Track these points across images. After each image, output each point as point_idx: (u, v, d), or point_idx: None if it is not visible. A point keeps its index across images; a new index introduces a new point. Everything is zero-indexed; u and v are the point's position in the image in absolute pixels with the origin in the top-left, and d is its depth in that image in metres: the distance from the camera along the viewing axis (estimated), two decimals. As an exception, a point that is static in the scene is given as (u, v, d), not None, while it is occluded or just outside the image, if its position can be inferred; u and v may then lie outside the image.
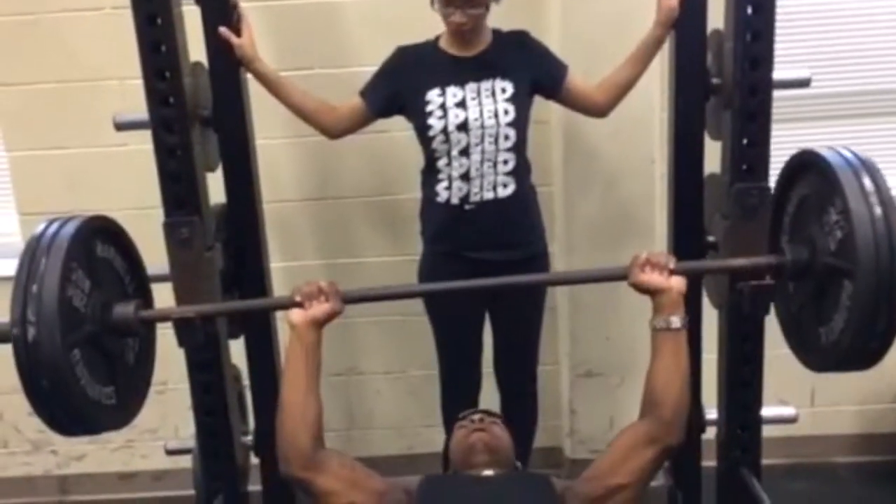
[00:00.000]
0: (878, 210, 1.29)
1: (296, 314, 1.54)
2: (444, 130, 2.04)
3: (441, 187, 2.09)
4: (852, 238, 1.29)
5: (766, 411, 1.97)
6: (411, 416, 2.73)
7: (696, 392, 1.96)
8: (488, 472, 1.59)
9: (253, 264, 1.98)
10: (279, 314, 1.87)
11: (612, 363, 2.58)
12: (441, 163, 2.08)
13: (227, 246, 1.88)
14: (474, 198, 2.07)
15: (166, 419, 2.71)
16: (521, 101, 2.06)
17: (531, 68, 2.08)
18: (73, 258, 1.37)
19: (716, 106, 1.83)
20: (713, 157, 1.88)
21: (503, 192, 2.07)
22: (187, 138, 1.59)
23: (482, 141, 2.04)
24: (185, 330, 1.59)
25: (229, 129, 1.89)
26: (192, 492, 2.43)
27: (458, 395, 2.27)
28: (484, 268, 2.02)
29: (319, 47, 2.48)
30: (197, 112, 1.71)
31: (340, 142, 2.46)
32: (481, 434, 1.66)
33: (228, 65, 1.86)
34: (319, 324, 1.55)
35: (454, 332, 2.27)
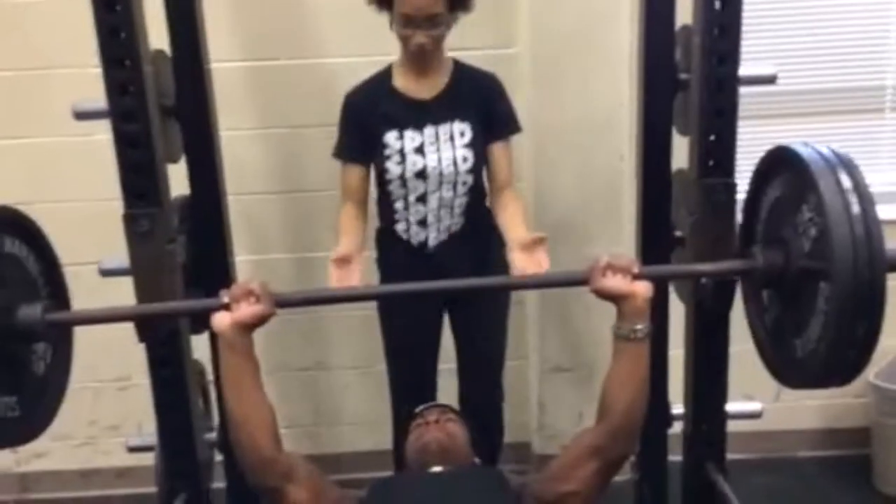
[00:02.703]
0: (855, 206, 1.21)
1: (218, 319, 1.43)
2: (402, 177, 2.01)
3: (399, 228, 2.07)
4: (827, 235, 1.22)
5: (732, 406, 1.97)
6: (380, 411, 2.70)
7: (663, 387, 1.96)
8: (437, 469, 1.56)
9: (217, 258, 1.95)
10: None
11: (581, 358, 2.58)
12: (398, 205, 2.05)
13: (190, 239, 1.84)
14: (432, 242, 2.06)
15: (129, 415, 2.67)
16: (478, 144, 2.02)
17: (488, 112, 2.02)
18: None
19: (684, 101, 1.83)
20: (682, 152, 1.89)
21: (458, 228, 2.06)
22: (147, 128, 1.55)
23: (439, 188, 2.01)
24: (144, 326, 1.55)
25: (192, 119, 1.85)
26: (155, 489, 2.40)
27: (411, 403, 2.14)
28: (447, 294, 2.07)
29: (286, 38, 2.44)
30: (159, 101, 1.66)
31: (307, 134, 2.45)
32: (436, 434, 1.63)
33: (191, 53, 1.82)
34: (247, 327, 1.43)
35: (410, 338, 2.20)
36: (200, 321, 1.87)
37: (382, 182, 2.04)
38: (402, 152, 1.99)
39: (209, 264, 1.92)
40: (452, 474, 1.56)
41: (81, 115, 1.77)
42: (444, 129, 2.00)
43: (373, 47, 2.08)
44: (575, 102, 2.41)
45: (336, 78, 2.31)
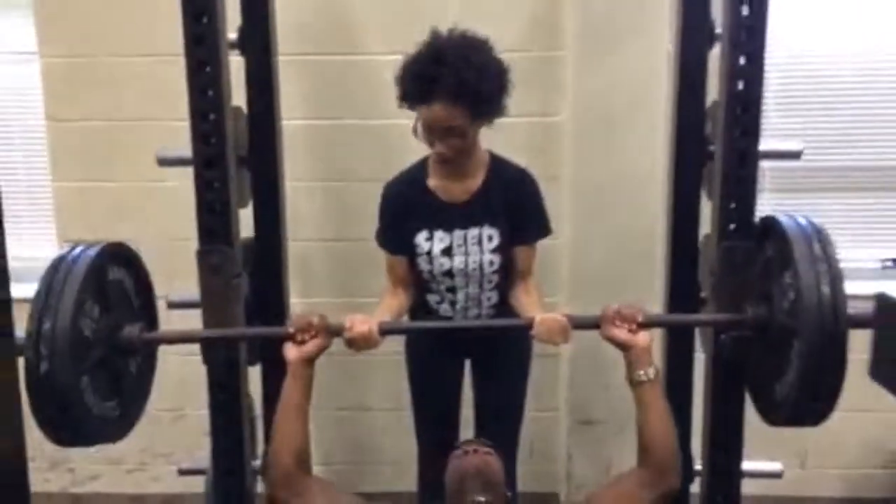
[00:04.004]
0: (824, 277, 1.40)
1: (291, 352, 1.67)
2: (431, 273, 2.07)
3: (431, 299, 2.12)
4: (799, 299, 1.41)
5: (753, 465, 2.05)
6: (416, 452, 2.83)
7: (686, 442, 2.05)
8: (478, 499, 1.67)
9: (274, 296, 2.13)
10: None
11: (610, 411, 2.67)
12: (430, 287, 2.11)
13: (252, 277, 2.03)
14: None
15: (180, 444, 2.83)
16: (506, 247, 2.05)
17: (518, 216, 2.04)
18: (85, 289, 1.50)
19: (712, 170, 1.97)
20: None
21: (484, 316, 2.12)
22: (225, 174, 1.75)
23: (466, 286, 2.07)
24: (210, 349, 1.73)
25: (262, 168, 2.06)
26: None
27: (436, 458, 2.22)
28: (469, 348, 2.19)
29: (347, 99, 2.67)
30: (234, 152, 1.87)
31: (360, 186, 2.64)
32: (477, 462, 1.73)
33: (265, 110, 2.04)
34: (312, 359, 1.68)
35: (434, 390, 2.29)
36: (256, 353, 2.05)
37: (416, 269, 2.09)
38: (430, 253, 2.04)
39: (266, 301, 2.10)
40: None
41: (164, 162, 1.99)
42: (472, 233, 2.02)
43: None
44: (613, 166, 2.56)
45: (389, 136, 2.52)
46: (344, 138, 2.68)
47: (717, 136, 1.84)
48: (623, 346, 1.66)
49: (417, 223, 2.04)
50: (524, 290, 2.08)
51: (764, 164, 2.48)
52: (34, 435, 2.95)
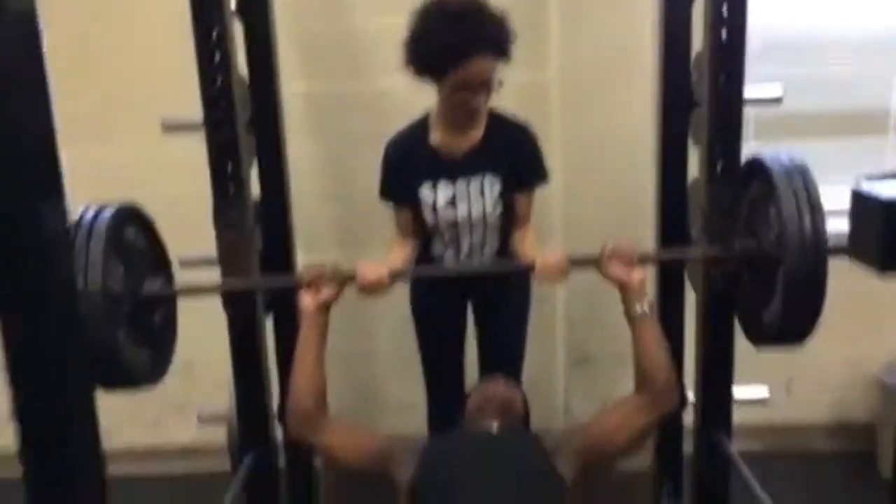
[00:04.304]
0: (805, 209, 1.53)
1: (307, 300, 1.77)
2: (436, 224, 2.16)
3: (436, 249, 2.23)
4: (784, 232, 1.54)
5: (742, 392, 2.18)
6: (421, 396, 2.95)
7: (678, 375, 2.18)
8: (492, 424, 1.79)
9: (282, 251, 2.23)
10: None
11: (605, 349, 2.81)
12: (435, 237, 2.20)
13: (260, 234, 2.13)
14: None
15: (192, 397, 2.93)
16: (507, 195, 2.14)
17: (518, 164, 2.13)
18: (109, 249, 1.60)
19: (698, 117, 2.07)
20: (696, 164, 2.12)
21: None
22: (235, 135, 1.83)
23: (471, 234, 2.17)
24: (230, 300, 1.85)
25: (265, 132, 2.15)
26: (215, 467, 2.65)
27: (442, 399, 2.43)
28: (472, 293, 2.30)
29: (344, 65, 2.72)
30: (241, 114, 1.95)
31: (359, 144, 2.72)
32: (501, 389, 1.88)
33: (267, 77, 2.12)
34: (327, 307, 1.79)
35: (439, 334, 2.40)
36: (270, 304, 2.16)
37: (420, 220, 2.19)
38: (434, 205, 2.13)
39: (274, 257, 2.20)
40: (499, 436, 1.78)
41: (169, 128, 2.07)
42: (475, 182, 2.11)
43: None
44: (602, 119, 2.67)
45: (384, 99, 2.59)
46: (341, 102, 2.75)
47: (702, 84, 1.94)
48: (619, 283, 1.78)
49: (421, 177, 2.12)
50: (523, 235, 2.19)
51: (747, 112, 2.62)
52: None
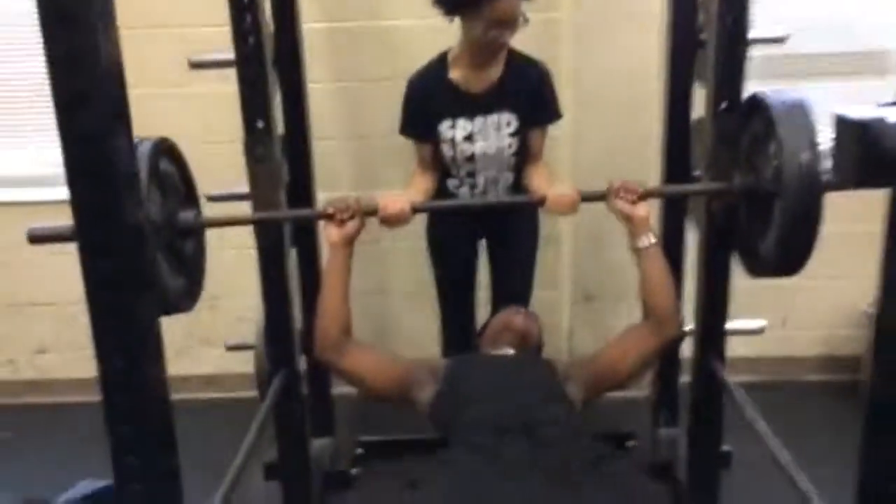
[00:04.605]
0: (804, 144, 1.58)
1: (333, 233, 1.86)
2: (454, 159, 2.27)
3: (451, 183, 2.34)
4: (781, 166, 1.60)
5: (739, 324, 2.28)
6: (433, 331, 3.10)
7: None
8: (508, 351, 1.93)
9: (304, 184, 2.34)
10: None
11: (608, 287, 2.94)
12: (452, 171, 2.32)
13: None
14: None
15: (217, 330, 3.08)
16: (523, 131, 2.25)
17: (533, 102, 2.25)
18: (149, 179, 1.65)
19: (703, 57, 2.15)
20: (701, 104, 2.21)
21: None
22: (264, 71, 1.92)
23: (486, 169, 2.29)
24: (261, 230, 1.97)
25: (288, 70, 2.23)
26: (240, 394, 2.80)
27: (457, 329, 2.58)
28: (485, 231, 2.42)
29: (359, 3, 2.79)
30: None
31: (376, 87, 2.80)
32: (522, 319, 2.01)
33: (288, 17, 2.20)
34: (352, 240, 1.88)
35: (454, 270, 2.53)
36: (294, 239, 2.28)
37: (439, 156, 2.31)
38: (453, 140, 2.24)
39: (297, 191, 2.30)
40: (516, 358, 1.91)
41: (196, 65, 2.15)
42: (492, 119, 2.22)
43: (431, 12, 2.29)
44: (611, 59, 2.75)
45: (399, 38, 2.67)
46: (357, 41, 2.82)
47: (709, 25, 2.02)
48: (625, 217, 1.88)
49: (441, 113, 2.23)
50: (535, 170, 2.30)
51: (754, 53, 2.69)
52: (82, 322, 3.23)
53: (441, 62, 2.26)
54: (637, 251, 1.89)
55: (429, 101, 2.24)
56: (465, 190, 2.33)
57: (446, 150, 2.26)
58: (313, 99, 2.55)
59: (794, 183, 1.61)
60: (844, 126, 0.64)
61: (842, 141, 0.64)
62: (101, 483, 2.15)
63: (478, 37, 2.10)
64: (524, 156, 2.30)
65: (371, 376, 1.85)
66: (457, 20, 2.14)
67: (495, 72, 2.22)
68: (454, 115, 2.22)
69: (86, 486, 2.15)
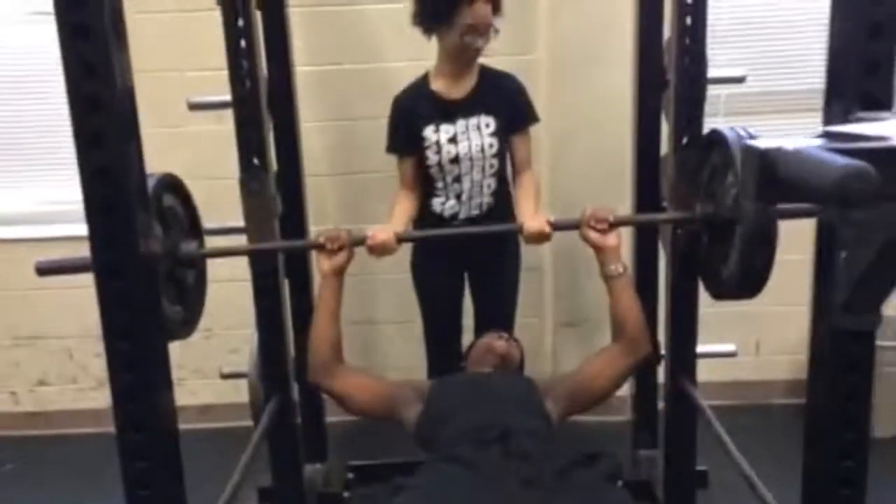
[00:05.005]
0: None
1: (325, 263, 1.98)
2: (440, 164, 2.43)
3: (436, 202, 2.50)
4: (740, 196, 1.73)
5: (712, 347, 2.37)
6: (419, 358, 3.20)
7: (653, 330, 2.39)
8: (487, 370, 2.04)
9: (296, 221, 2.46)
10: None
11: (589, 313, 3.06)
12: (438, 185, 2.48)
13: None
14: (462, 215, 2.49)
15: (210, 361, 3.17)
16: (502, 134, 2.44)
17: (509, 107, 2.44)
18: (153, 211, 1.71)
19: (668, 96, 2.31)
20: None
21: (486, 209, 2.49)
22: (259, 113, 2.06)
23: (471, 171, 2.44)
24: (255, 260, 2.09)
25: (281, 110, 2.36)
26: (233, 424, 2.88)
27: (442, 357, 2.67)
28: (468, 262, 2.55)
29: (349, 47, 2.96)
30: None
31: (362, 125, 2.96)
32: (504, 345, 2.12)
33: (282, 59, 2.34)
34: (342, 270, 2.00)
35: (439, 299, 2.66)
36: (287, 272, 2.39)
37: (424, 167, 2.48)
38: (438, 143, 2.42)
39: (289, 226, 2.42)
40: (496, 375, 2.02)
41: (195, 107, 2.29)
42: (472, 121, 2.41)
43: (417, 54, 2.53)
44: (586, 97, 2.92)
45: (387, 79, 2.82)
46: (346, 81, 2.98)
47: (671, 65, 2.18)
48: (596, 247, 2.00)
49: (425, 120, 2.42)
50: (524, 182, 2.47)
51: (721, 91, 2.85)
52: (79, 356, 3.30)
53: (423, 78, 2.48)
54: (607, 278, 2.00)
55: (413, 112, 2.43)
56: (451, 203, 2.47)
57: (431, 155, 2.42)
58: (305, 137, 2.71)
59: (751, 210, 1.70)
60: (748, 154, 0.77)
61: (746, 166, 0.77)
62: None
63: (455, 44, 2.32)
64: (507, 162, 2.48)
65: (360, 397, 1.96)
66: (433, 39, 2.38)
67: (472, 80, 2.43)
68: (437, 121, 2.41)
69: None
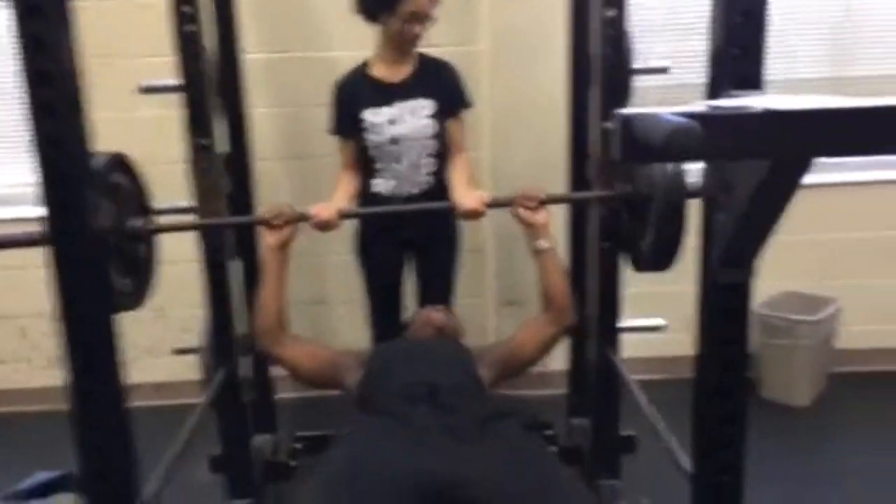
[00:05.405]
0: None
1: (269, 238, 2.08)
2: (379, 145, 2.56)
3: (377, 182, 2.62)
4: (654, 177, 1.88)
5: (642, 321, 2.52)
6: (368, 337, 3.32)
7: (583, 307, 2.51)
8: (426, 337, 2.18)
9: (245, 201, 2.57)
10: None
11: (529, 293, 3.19)
12: (378, 165, 2.60)
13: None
14: (401, 193, 2.60)
15: (162, 340, 3.27)
16: (438, 116, 2.56)
17: (445, 92, 2.57)
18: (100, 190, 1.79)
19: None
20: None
21: (426, 188, 2.61)
22: (207, 96, 2.16)
23: (409, 152, 2.56)
24: (205, 235, 2.20)
25: (231, 94, 2.48)
26: (185, 401, 2.96)
27: (385, 331, 2.80)
28: (409, 243, 2.67)
29: (297, 35, 3.07)
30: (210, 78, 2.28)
31: (309, 112, 3.06)
32: (441, 316, 2.26)
33: (230, 46, 2.45)
34: (286, 244, 2.10)
35: (382, 278, 2.79)
36: (234, 250, 2.49)
37: (364, 149, 2.59)
38: (377, 125, 2.53)
39: (238, 206, 2.53)
40: (433, 340, 2.16)
41: (147, 90, 2.38)
42: (410, 104, 2.54)
43: (362, 43, 2.63)
44: (526, 88, 3.06)
45: (334, 67, 2.92)
46: (295, 69, 3.09)
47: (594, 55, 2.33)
48: (526, 223, 2.14)
49: (365, 103, 2.54)
50: (458, 164, 2.58)
51: (645, 83, 3.01)
52: (32, 335, 3.35)
53: (363, 65, 2.60)
54: (535, 253, 2.15)
55: (353, 96, 2.55)
56: (391, 184, 2.59)
57: (372, 136, 2.54)
58: (256, 122, 2.81)
59: (663, 190, 1.89)
60: (616, 119, 0.91)
61: (614, 130, 0.90)
62: (56, 473, 2.34)
63: (397, 31, 2.45)
64: (443, 146, 2.60)
65: (307, 364, 2.08)
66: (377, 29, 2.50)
67: (410, 66, 2.56)
68: (377, 104, 2.53)
69: (42, 476, 2.33)
